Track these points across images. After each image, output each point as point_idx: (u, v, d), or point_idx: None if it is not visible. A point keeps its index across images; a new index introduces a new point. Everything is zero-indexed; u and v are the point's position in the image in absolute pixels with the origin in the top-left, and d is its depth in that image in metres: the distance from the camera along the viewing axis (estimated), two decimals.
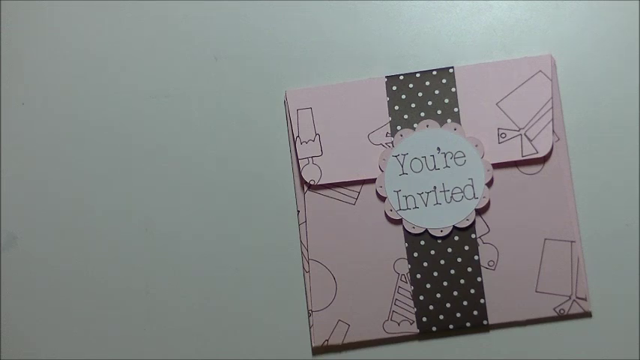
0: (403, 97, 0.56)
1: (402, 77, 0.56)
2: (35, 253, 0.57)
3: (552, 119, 0.54)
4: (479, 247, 0.54)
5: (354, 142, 0.55)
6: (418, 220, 0.54)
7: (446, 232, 0.54)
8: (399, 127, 0.55)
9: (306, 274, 0.55)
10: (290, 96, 0.56)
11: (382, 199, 0.55)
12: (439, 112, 0.55)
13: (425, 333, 0.54)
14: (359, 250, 0.54)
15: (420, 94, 0.56)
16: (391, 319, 0.54)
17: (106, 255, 0.56)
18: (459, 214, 0.54)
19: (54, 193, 0.57)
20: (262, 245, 0.56)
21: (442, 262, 0.54)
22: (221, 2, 0.58)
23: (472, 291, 0.54)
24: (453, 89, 0.55)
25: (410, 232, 0.54)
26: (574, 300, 0.53)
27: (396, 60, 0.57)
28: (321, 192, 0.55)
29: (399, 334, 0.54)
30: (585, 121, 0.55)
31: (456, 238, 0.54)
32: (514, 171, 0.54)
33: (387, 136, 0.55)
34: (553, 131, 0.54)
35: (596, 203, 0.54)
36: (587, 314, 0.53)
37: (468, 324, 0.54)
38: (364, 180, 0.55)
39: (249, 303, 0.55)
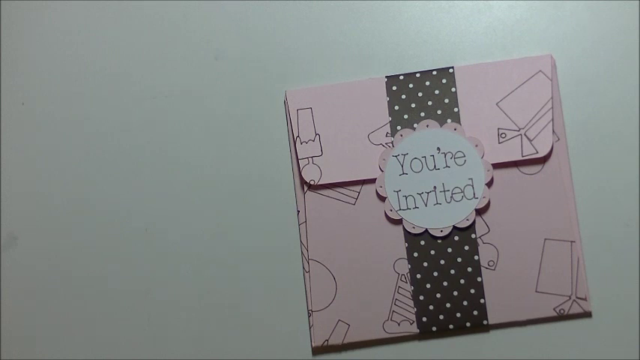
0: (403, 97, 0.56)
1: (402, 77, 0.56)
2: (35, 253, 0.57)
3: (552, 119, 0.54)
4: (479, 247, 0.54)
5: (354, 142, 0.55)
6: (418, 220, 0.54)
7: (446, 232, 0.54)
8: (399, 127, 0.55)
9: (306, 274, 0.55)
10: (290, 96, 0.56)
11: (382, 199, 0.55)
12: (439, 112, 0.55)
13: (425, 333, 0.54)
14: (359, 250, 0.54)
15: (420, 94, 0.56)
16: (391, 319, 0.54)
17: (106, 255, 0.56)
18: (459, 214, 0.54)
19: (54, 193, 0.57)
20: (262, 245, 0.56)
21: (442, 262, 0.54)
22: (221, 2, 0.58)
23: (472, 291, 0.54)
24: (453, 89, 0.55)
25: (410, 232, 0.54)
26: (574, 300, 0.53)
27: (396, 60, 0.57)
28: (321, 192, 0.55)
29: (399, 334, 0.54)
30: (585, 121, 0.55)
31: (456, 238, 0.54)
32: (514, 171, 0.54)
33: (387, 136, 0.55)
34: (553, 131, 0.54)
35: (596, 203, 0.54)
36: (587, 314, 0.53)
37: (468, 324, 0.54)
38: (364, 180, 0.55)
39: (249, 303, 0.55)
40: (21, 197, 0.57)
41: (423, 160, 0.55)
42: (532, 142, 0.54)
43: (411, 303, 0.54)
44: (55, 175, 0.57)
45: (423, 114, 0.55)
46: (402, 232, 0.54)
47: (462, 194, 0.54)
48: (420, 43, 0.57)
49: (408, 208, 0.54)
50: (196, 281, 0.56)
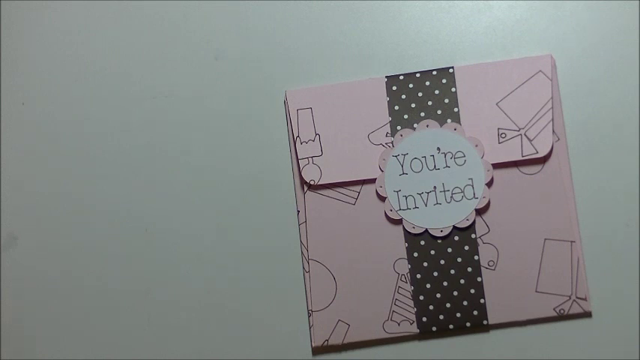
0: (403, 97, 0.56)
1: (402, 77, 0.56)
2: (35, 253, 0.57)
3: (552, 119, 0.54)
4: (479, 247, 0.54)
5: (354, 142, 0.55)
6: (418, 220, 0.54)
7: (446, 232, 0.54)
8: (399, 127, 0.55)
9: (306, 274, 0.55)
10: (290, 96, 0.56)
11: (382, 199, 0.55)
12: (439, 112, 0.55)
13: (425, 333, 0.54)
14: (359, 250, 0.54)
15: (420, 94, 0.56)
16: (391, 319, 0.54)
17: (106, 255, 0.56)
18: (459, 214, 0.54)
19: (54, 193, 0.57)
20: (262, 245, 0.56)
21: (442, 262, 0.54)
22: (221, 2, 0.58)
23: (472, 291, 0.54)
24: (453, 89, 0.55)
25: (410, 232, 0.54)
26: (574, 300, 0.53)
27: (396, 60, 0.57)
28: (321, 192, 0.55)
29: (399, 334, 0.54)
30: (585, 121, 0.55)
31: (456, 238, 0.54)
32: (514, 171, 0.54)
33: (387, 136, 0.55)
34: (553, 131, 0.54)
35: (596, 203, 0.54)
36: (587, 314, 0.53)
37: (468, 324, 0.54)
38: (364, 180, 0.55)
39: (249, 303, 0.55)
40: (21, 197, 0.57)
41: (423, 160, 0.55)
42: (532, 142, 0.54)
43: (411, 303, 0.54)
44: (55, 175, 0.57)
45: (423, 114, 0.55)
46: (402, 232, 0.54)
47: (462, 194, 0.54)
48: (420, 43, 0.57)
49: (408, 208, 0.54)
50: (196, 281, 0.56)
